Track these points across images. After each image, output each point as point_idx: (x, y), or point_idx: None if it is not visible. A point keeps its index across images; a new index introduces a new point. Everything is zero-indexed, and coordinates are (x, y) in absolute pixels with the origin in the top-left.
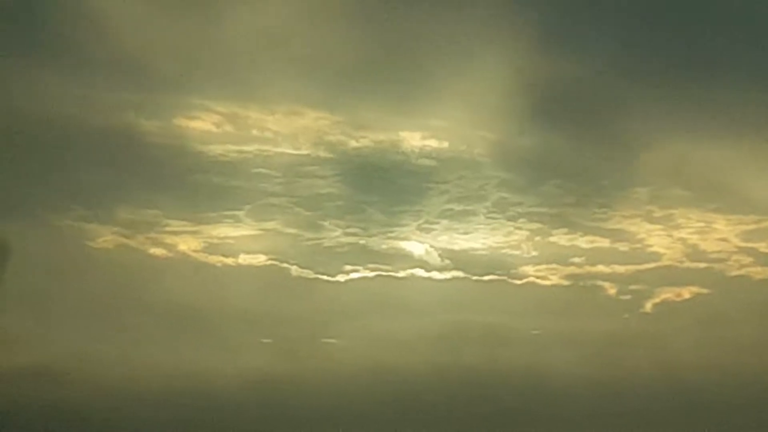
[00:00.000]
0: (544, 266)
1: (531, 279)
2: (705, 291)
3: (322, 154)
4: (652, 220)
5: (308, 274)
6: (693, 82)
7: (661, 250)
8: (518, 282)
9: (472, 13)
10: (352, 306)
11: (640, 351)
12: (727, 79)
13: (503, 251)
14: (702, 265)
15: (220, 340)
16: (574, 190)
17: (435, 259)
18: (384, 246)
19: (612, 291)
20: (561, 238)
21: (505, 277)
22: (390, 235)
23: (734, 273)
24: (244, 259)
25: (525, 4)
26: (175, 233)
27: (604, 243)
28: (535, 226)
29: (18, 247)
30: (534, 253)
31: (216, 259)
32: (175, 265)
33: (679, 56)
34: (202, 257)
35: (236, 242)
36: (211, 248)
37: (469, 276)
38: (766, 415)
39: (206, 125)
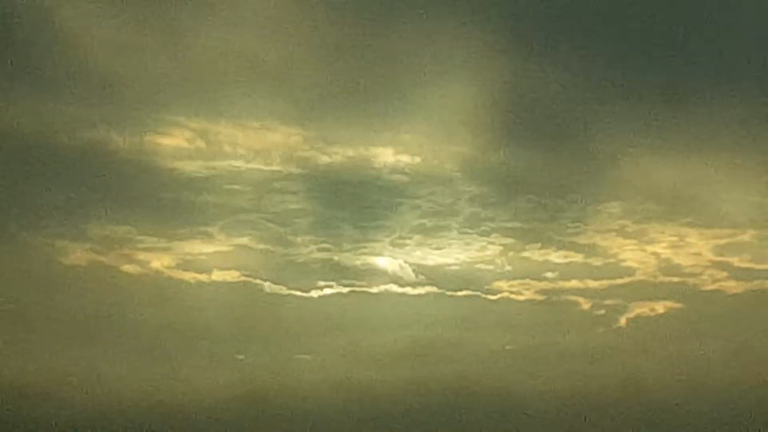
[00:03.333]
0: (517, 281)
1: (505, 294)
2: (679, 305)
3: (294, 169)
4: (625, 235)
5: (281, 290)
6: (666, 96)
7: (635, 265)
8: (492, 297)
9: (444, 28)
10: (326, 322)
11: (614, 366)
12: (700, 93)
13: (477, 266)
14: (676, 279)
15: (194, 357)
16: (546, 205)
17: (409, 274)
18: (357, 262)
19: (586, 306)
20: (534, 253)
21: (479, 293)
22: (363, 250)
23: (708, 287)
24: (217, 275)
25: (496, 20)
26: (148, 250)
27: (578, 258)
28: (508, 241)
29: None
30: (507, 269)
31: (189, 276)
32: (149, 281)
33: (652, 71)
34: (175, 274)
35: (209, 258)
36: (184, 265)
37: (443, 291)
38: (739, 429)
39: (178, 141)
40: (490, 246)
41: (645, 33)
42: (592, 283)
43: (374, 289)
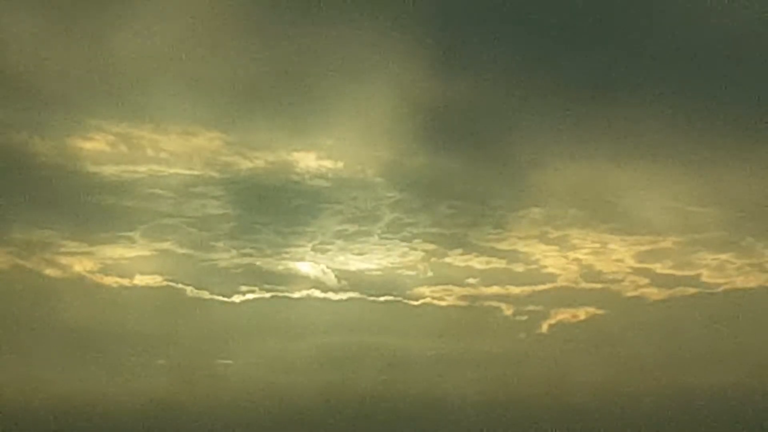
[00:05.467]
0: (440, 287)
1: (427, 300)
2: (601, 312)
3: (216, 174)
4: (547, 241)
5: (204, 294)
6: (588, 104)
7: (557, 271)
8: (414, 303)
9: (366, 35)
10: (248, 327)
11: (535, 372)
12: (622, 101)
13: (399, 272)
14: (598, 286)
15: (116, 362)
16: (468, 211)
17: (331, 279)
18: (279, 267)
19: (508, 312)
20: (456, 259)
21: (401, 298)
22: (285, 255)
23: (630, 294)
24: (139, 279)
25: (417, 26)
26: (70, 254)
27: (500, 264)
28: (430, 246)
29: None
30: (429, 274)
31: (111, 280)
32: (71, 286)
33: (573, 78)
34: (97, 278)
35: (131, 263)
36: (106, 269)
37: (365, 297)
38: None
39: (100, 145)
40: (412, 251)
41: (566, 39)
42: (514, 289)
43: (296, 294)
